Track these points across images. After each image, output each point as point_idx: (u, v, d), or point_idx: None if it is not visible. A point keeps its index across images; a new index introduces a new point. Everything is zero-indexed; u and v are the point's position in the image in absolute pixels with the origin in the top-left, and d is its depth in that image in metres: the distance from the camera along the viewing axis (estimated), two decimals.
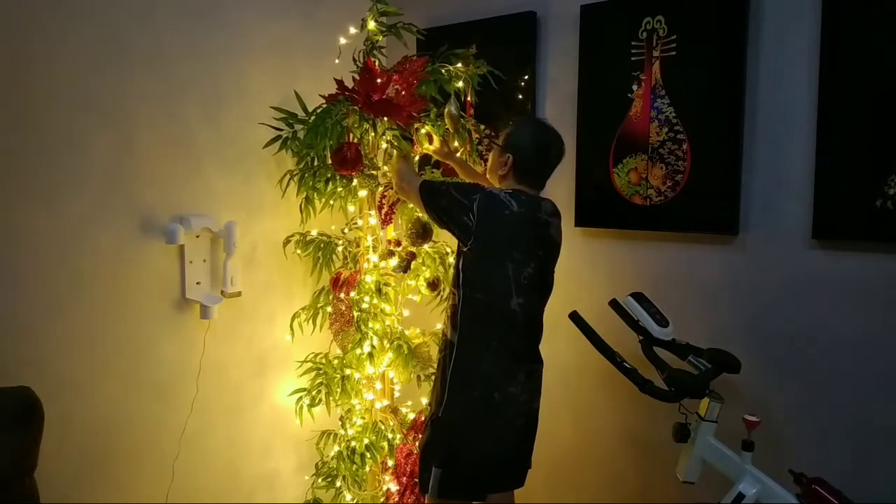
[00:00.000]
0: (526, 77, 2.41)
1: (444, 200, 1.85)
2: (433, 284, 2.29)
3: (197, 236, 2.14)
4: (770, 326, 1.98)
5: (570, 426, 2.41)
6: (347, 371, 2.21)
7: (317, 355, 2.30)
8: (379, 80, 2.02)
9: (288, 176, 2.22)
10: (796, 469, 1.67)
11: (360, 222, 2.24)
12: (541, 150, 1.90)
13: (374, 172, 2.19)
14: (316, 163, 2.17)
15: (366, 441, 2.18)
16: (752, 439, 1.70)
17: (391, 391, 2.33)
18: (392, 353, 2.19)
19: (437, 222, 1.93)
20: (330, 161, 2.08)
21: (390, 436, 2.21)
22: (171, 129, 2.08)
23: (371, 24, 2.17)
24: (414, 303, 2.39)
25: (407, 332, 2.27)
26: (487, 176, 2.06)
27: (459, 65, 2.16)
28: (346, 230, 2.30)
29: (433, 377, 2.04)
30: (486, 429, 1.82)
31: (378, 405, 2.27)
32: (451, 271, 1.97)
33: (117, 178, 1.96)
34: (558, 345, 2.38)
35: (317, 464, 2.33)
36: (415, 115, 2.06)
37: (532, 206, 1.85)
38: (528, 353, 1.89)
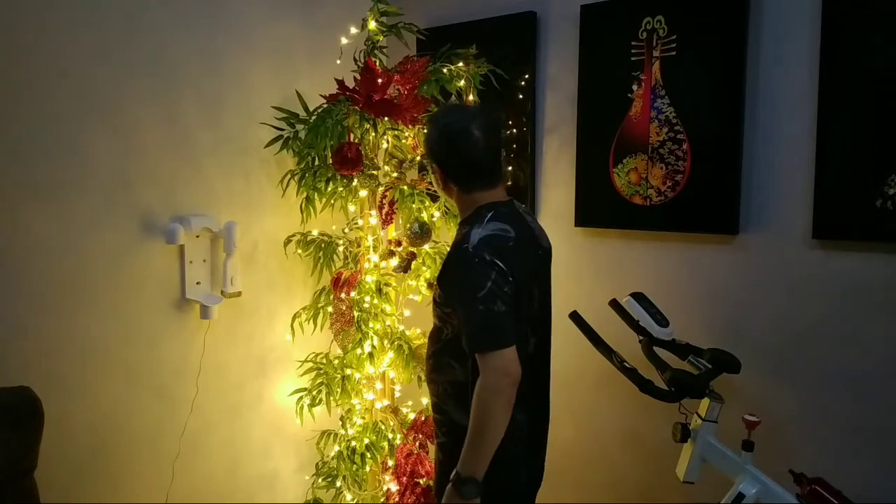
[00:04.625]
0: (526, 77, 2.41)
1: (495, 307, 1.41)
2: (433, 285, 2.29)
3: (197, 236, 2.14)
4: (770, 326, 1.98)
5: (570, 426, 2.41)
6: (348, 371, 2.21)
7: (317, 355, 2.30)
8: (380, 80, 2.02)
9: (288, 176, 2.22)
10: (796, 469, 1.67)
11: (360, 222, 2.24)
12: (464, 143, 1.51)
13: (374, 172, 2.19)
14: (317, 163, 2.17)
15: (366, 441, 2.18)
16: (752, 439, 1.70)
17: (391, 391, 2.33)
18: (393, 353, 2.19)
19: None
20: (331, 161, 2.09)
21: (391, 436, 2.21)
22: (172, 129, 2.08)
23: (372, 24, 2.17)
24: (414, 303, 2.39)
25: (407, 333, 2.27)
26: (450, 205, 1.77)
27: (461, 64, 2.16)
28: (346, 230, 2.31)
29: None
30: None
31: (378, 405, 2.27)
32: (439, 342, 1.61)
33: (117, 178, 1.96)
34: (558, 345, 2.37)
35: (317, 464, 2.33)
36: (417, 116, 2.06)
37: (518, 218, 1.58)
38: (541, 406, 1.66)
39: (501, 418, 1.39)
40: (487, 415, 1.38)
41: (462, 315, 1.45)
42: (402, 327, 2.27)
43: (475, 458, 1.40)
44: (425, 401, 2.25)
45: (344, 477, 2.23)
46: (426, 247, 2.26)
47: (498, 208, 1.54)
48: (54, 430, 1.71)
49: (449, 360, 1.57)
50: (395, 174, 2.22)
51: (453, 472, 1.43)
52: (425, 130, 1.64)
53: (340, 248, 2.23)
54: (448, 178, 1.56)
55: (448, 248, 2.26)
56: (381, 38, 2.19)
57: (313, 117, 2.15)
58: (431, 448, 2.01)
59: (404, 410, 2.35)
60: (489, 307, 1.40)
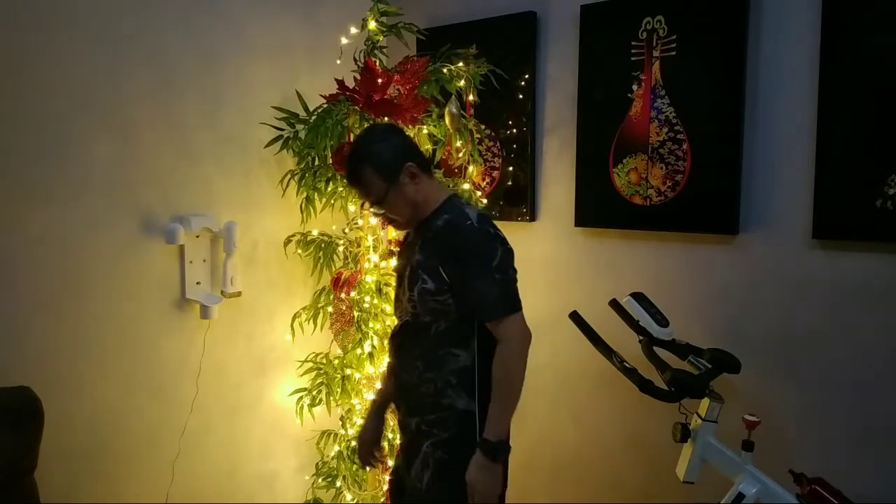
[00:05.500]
0: (526, 77, 2.41)
1: (508, 275, 1.53)
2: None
3: (197, 236, 2.14)
4: (770, 326, 1.98)
5: (570, 426, 2.41)
6: (348, 371, 2.21)
7: (317, 355, 2.30)
8: (380, 80, 2.02)
9: (288, 176, 2.22)
10: (796, 469, 1.67)
11: (360, 222, 2.24)
12: (405, 135, 1.67)
13: None
14: (317, 163, 2.17)
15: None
16: (752, 439, 1.70)
17: None
18: None
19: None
20: (331, 161, 2.09)
21: (391, 436, 2.21)
22: (171, 129, 2.08)
23: (372, 24, 2.17)
24: None
25: None
26: (405, 221, 1.64)
27: (461, 64, 2.16)
28: (346, 230, 2.31)
29: None
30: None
31: None
32: (429, 339, 1.58)
33: (117, 179, 1.96)
34: (558, 345, 2.38)
35: (317, 464, 2.33)
36: (417, 116, 2.06)
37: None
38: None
39: (524, 376, 1.52)
40: (517, 375, 1.51)
41: (478, 287, 1.50)
42: None
43: (506, 420, 1.52)
44: None
45: (344, 477, 2.23)
46: None
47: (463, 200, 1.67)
48: (54, 430, 1.72)
49: (448, 351, 1.57)
50: None
51: (481, 442, 1.50)
52: (363, 166, 1.55)
53: (340, 248, 2.23)
54: (421, 169, 1.59)
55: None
56: (381, 38, 2.19)
57: (313, 117, 2.15)
58: None
59: None
60: (504, 275, 1.51)
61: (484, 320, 1.52)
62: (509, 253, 1.55)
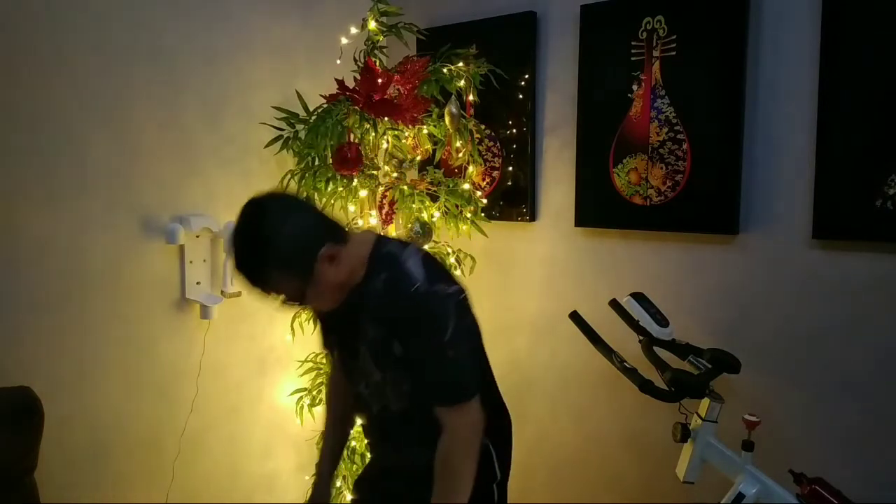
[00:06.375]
0: (526, 77, 2.41)
1: (465, 363, 1.32)
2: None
3: (197, 236, 2.14)
4: (770, 326, 1.98)
5: (570, 426, 2.41)
6: None
7: (317, 355, 2.30)
8: (380, 80, 2.02)
9: (288, 176, 2.22)
10: (796, 469, 1.67)
11: (360, 222, 2.24)
12: (303, 206, 1.33)
13: (374, 172, 2.19)
14: (317, 163, 2.17)
15: (366, 441, 2.17)
16: (752, 439, 1.70)
17: None
18: None
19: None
20: (331, 161, 2.09)
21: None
22: (171, 128, 2.08)
23: (372, 24, 2.17)
24: None
25: None
26: (334, 303, 1.36)
27: (461, 64, 2.16)
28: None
29: None
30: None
31: None
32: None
33: (117, 179, 1.96)
34: (558, 345, 2.38)
35: (317, 464, 2.33)
36: (417, 116, 2.06)
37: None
38: None
39: (472, 472, 1.28)
40: (462, 472, 1.28)
41: (426, 367, 1.29)
42: None
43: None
44: None
45: (344, 477, 2.23)
46: (426, 247, 2.26)
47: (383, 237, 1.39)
48: (54, 430, 1.72)
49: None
50: (394, 174, 2.21)
51: None
52: (264, 270, 1.25)
53: None
54: (338, 243, 1.27)
55: (448, 249, 2.29)
56: (381, 38, 2.20)
57: (313, 117, 2.15)
58: None
59: None
60: (457, 351, 1.28)
61: (430, 403, 1.30)
62: (465, 309, 1.32)
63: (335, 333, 1.49)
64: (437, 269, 1.36)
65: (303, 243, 1.24)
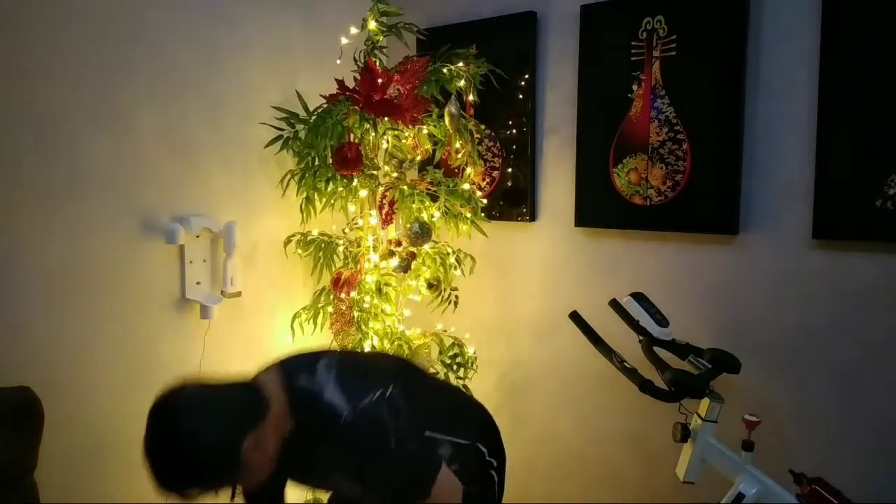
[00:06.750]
0: (526, 77, 2.41)
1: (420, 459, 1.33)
2: (433, 285, 2.29)
3: (197, 236, 2.14)
4: (770, 326, 1.98)
5: (569, 426, 2.41)
6: None
7: None
8: (380, 80, 2.02)
9: (288, 176, 2.22)
10: (796, 469, 1.67)
11: (360, 222, 2.24)
12: (196, 421, 1.17)
13: (374, 172, 2.19)
14: (317, 162, 2.17)
15: None
16: (752, 439, 1.70)
17: None
18: (392, 353, 2.19)
19: None
20: (331, 161, 2.09)
21: None
22: (171, 128, 2.08)
23: (372, 24, 2.17)
24: (414, 303, 2.39)
25: (408, 333, 2.27)
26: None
27: (461, 64, 2.16)
28: (346, 230, 2.30)
29: None
30: None
31: None
32: None
33: (117, 178, 1.96)
34: (558, 345, 2.38)
35: None
36: (417, 116, 2.06)
37: None
38: None
39: None
40: None
41: (387, 477, 1.27)
42: (402, 327, 2.27)
43: None
44: None
45: None
46: (426, 247, 2.26)
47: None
48: (54, 430, 1.71)
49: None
50: (395, 174, 2.22)
51: None
52: (190, 480, 1.15)
53: (340, 248, 2.23)
54: (262, 420, 1.20)
55: (448, 249, 2.29)
56: (381, 38, 2.20)
57: (313, 117, 2.15)
58: None
59: None
60: (407, 451, 1.28)
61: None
62: (400, 401, 1.30)
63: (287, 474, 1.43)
64: (354, 376, 1.32)
65: (222, 436, 1.15)
